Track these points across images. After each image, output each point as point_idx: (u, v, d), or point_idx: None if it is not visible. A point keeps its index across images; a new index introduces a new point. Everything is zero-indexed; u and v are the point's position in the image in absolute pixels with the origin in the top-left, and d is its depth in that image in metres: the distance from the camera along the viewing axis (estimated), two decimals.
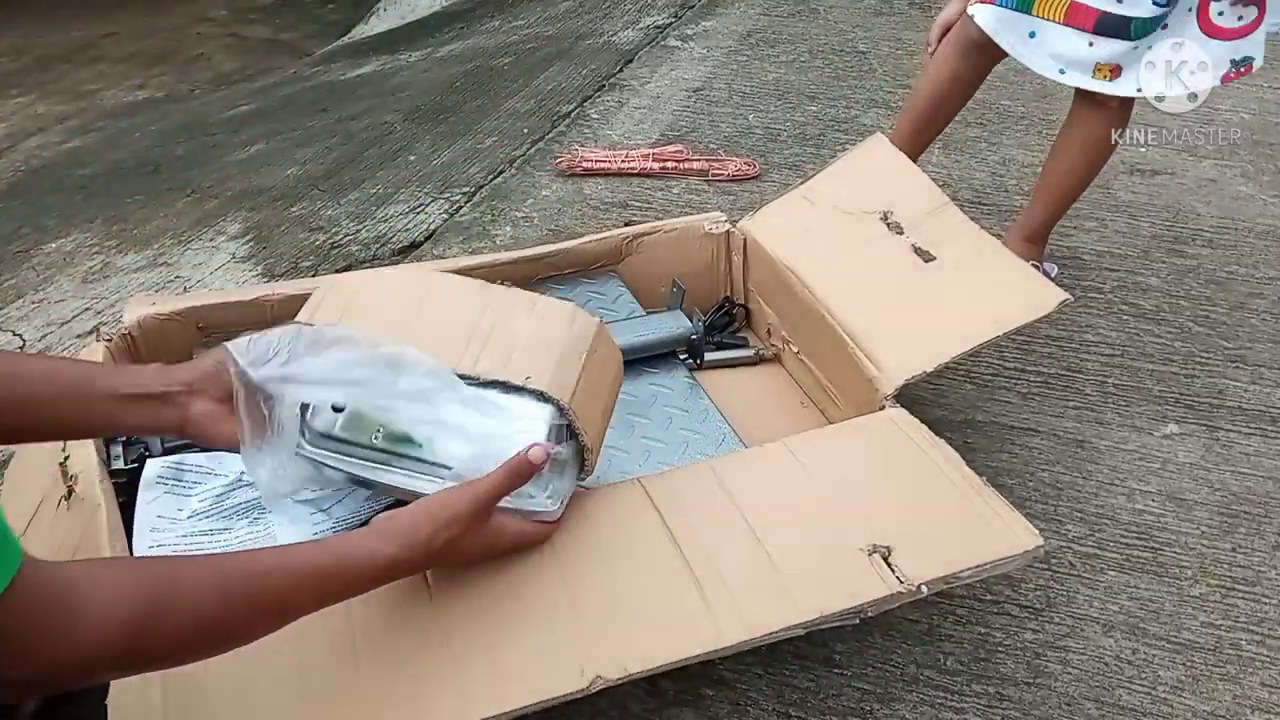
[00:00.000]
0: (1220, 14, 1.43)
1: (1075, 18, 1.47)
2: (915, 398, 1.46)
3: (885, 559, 0.92)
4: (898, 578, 0.90)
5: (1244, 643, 1.13)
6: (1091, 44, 1.47)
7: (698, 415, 1.26)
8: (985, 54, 1.58)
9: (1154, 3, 1.42)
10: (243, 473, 1.05)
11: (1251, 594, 1.18)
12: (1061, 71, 1.51)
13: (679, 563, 0.92)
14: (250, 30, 4.64)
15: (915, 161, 1.53)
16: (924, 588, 0.90)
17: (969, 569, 0.92)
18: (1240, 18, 1.43)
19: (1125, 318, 1.65)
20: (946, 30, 1.64)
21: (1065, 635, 1.13)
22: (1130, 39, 1.43)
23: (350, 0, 4.80)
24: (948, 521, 0.97)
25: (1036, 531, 0.95)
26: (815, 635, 1.10)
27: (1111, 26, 1.44)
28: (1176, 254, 1.82)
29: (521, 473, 0.85)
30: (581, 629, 0.86)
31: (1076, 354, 1.57)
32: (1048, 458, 1.38)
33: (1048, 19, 1.49)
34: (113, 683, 0.80)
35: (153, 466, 1.06)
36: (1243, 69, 1.47)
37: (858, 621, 0.90)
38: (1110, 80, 1.47)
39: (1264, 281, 1.75)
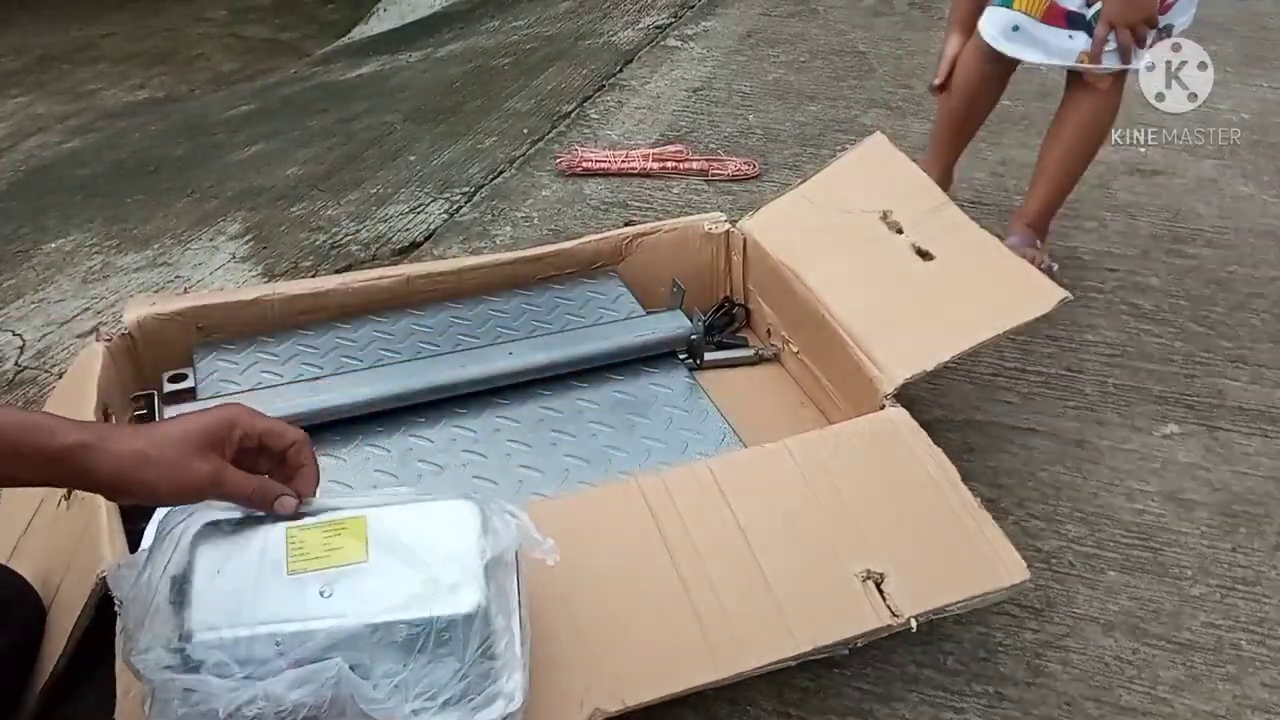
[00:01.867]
0: None
1: (1051, 15, 1.51)
2: (915, 397, 1.46)
3: (878, 586, 0.94)
4: (889, 608, 0.93)
5: (1244, 643, 1.13)
6: (1071, 37, 1.49)
7: (698, 415, 1.26)
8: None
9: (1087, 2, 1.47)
10: None
11: (1251, 594, 1.18)
12: (1045, 68, 1.57)
13: (679, 590, 0.93)
14: (250, 30, 4.64)
15: (955, 164, 1.57)
16: (913, 621, 0.93)
17: (957, 602, 0.95)
18: None
19: (1125, 318, 1.65)
20: (953, 65, 1.69)
21: (1065, 635, 1.13)
22: (1090, 31, 1.47)
23: (350, 0, 4.80)
24: (941, 548, 0.99)
25: (1023, 565, 0.97)
26: None
27: (1081, 22, 1.48)
28: (1176, 254, 1.82)
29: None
30: (581, 660, 0.87)
31: (1076, 354, 1.57)
32: (1048, 458, 1.38)
33: (1028, 14, 1.53)
34: (118, 686, 0.80)
35: None
36: (1163, 34, 1.51)
37: (847, 652, 0.93)
38: (1092, 61, 1.49)
39: (1264, 281, 1.75)
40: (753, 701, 1.05)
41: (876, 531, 0.99)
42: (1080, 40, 1.48)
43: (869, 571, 0.95)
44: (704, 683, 0.88)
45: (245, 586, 0.72)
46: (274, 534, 0.75)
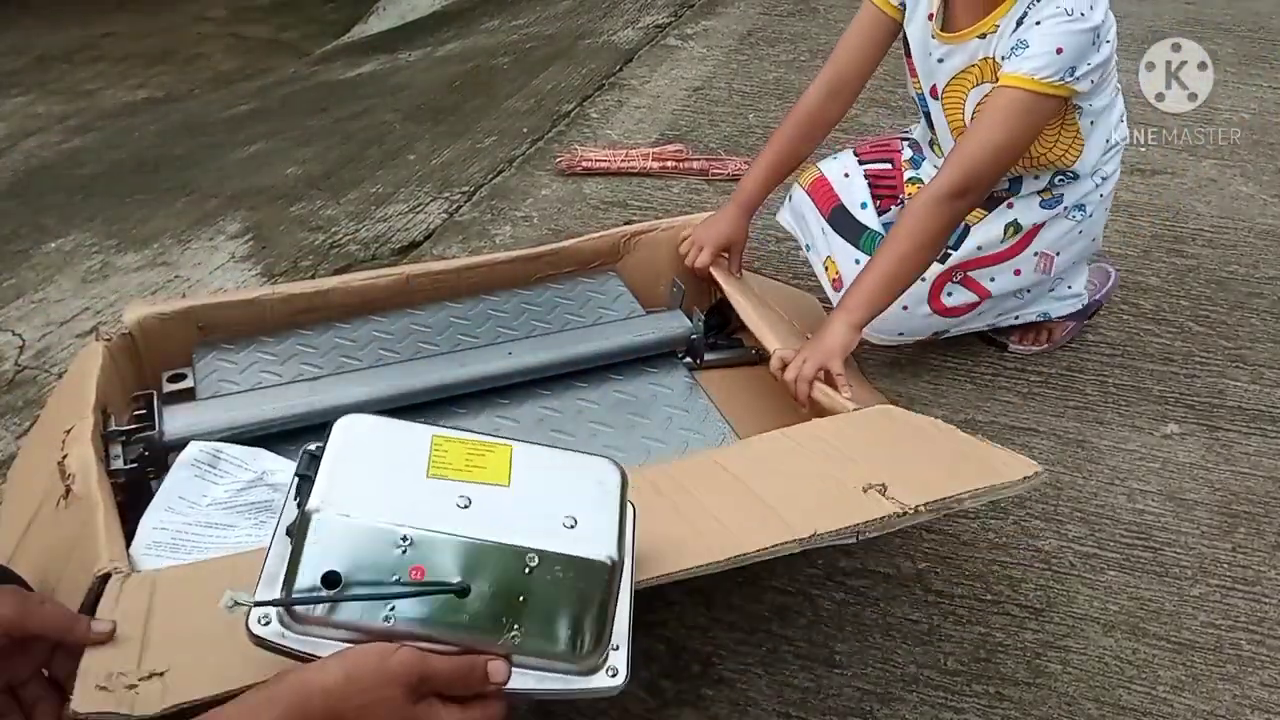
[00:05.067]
0: (949, 294, 1.43)
1: (817, 193, 1.44)
2: (915, 397, 1.46)
3: (881, 494, 0.91)
4: (894, 504, 0.89)
5: (1244, 643, 1.13)
6: (824, 230, 1.43)
7: (697, 415, 1.26)
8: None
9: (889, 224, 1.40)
10: (265, 471, 1.06)
11: (1251, 594, 1.18)
12: (808, 248, 1.47)
13: (668, 507, 0.90)
14: (250, 30, 4.63)
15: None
16: (922, 509, 0.88)
17: (967, 493, 0.91)
18: (963, 301, 1.43)
19: (1125, 318, 1.65)
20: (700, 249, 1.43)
21: (1065, 635, 1.13)
22: (858, 248, 1.39)
23: (350, 0, 4.80)
24: (944, 461, 0.97)
25: (1033, 461, 0.95)
26: (815, 635, 1.11)
27: (843, 224, 1.41)
28: (1176, 254, 1.82)
29: (473, 678, 0.66)
30: None
31: (1076, 354, 1.57)
32: (1048, 458, 1.37)
33: (799, 183, 1.47)
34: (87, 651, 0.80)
35: (193, 449, 1.07)
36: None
37: (854, 540, 0.88)
38: (835, 290, 1.42)
39: (1264, 281, 1.75)
40: (753, 702, 1.05)
41: (876, 462, 0.96)
42: (833, 241, 1.40)
43: (870, 484, 0.92)
44: (698, 565, 0.82)
45: (379, 476, 0.69)
46: (418, 436, 0.72)
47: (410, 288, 1.39)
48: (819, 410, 1.19)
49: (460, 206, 2.04)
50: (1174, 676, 1.09)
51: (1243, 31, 2.76)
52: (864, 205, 1.41)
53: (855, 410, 1.12)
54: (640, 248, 1.47)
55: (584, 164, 2.10)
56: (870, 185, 1.43)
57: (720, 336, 1.47)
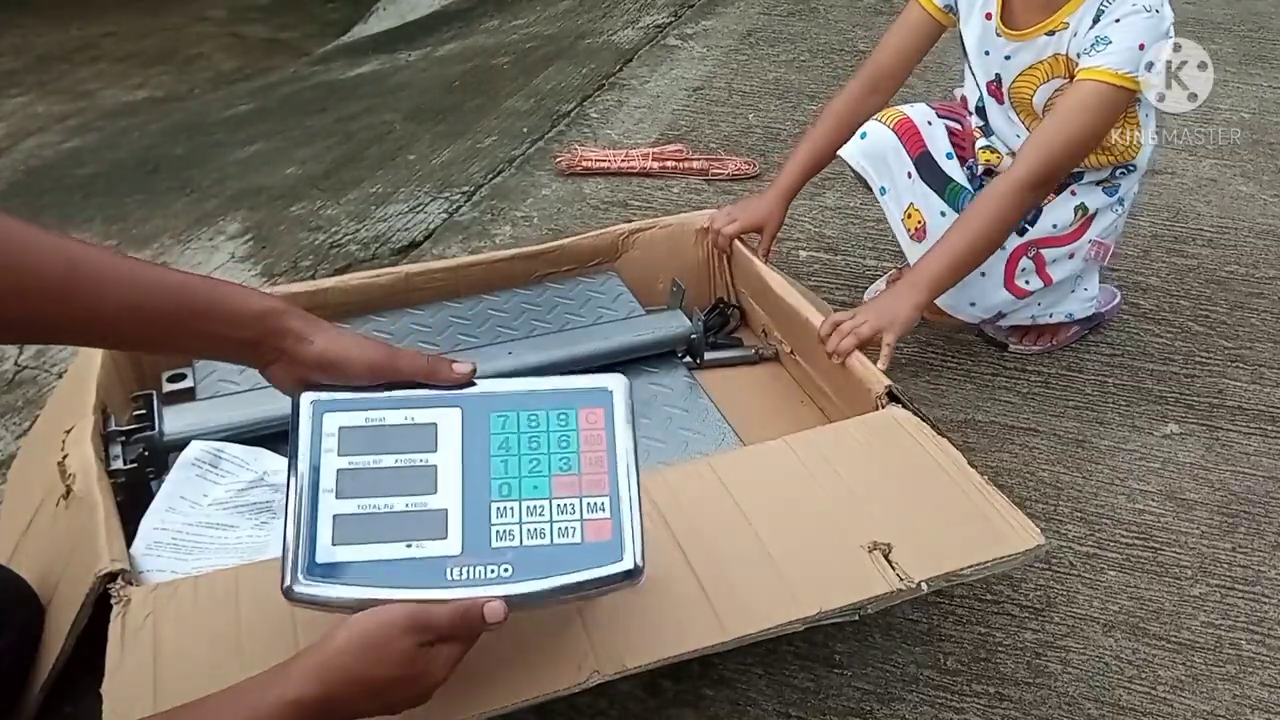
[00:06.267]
0: (1022, 271, 1.43)
1: (905, 134, 1.41)
2: (915, 397, 1.46)
3: (886, 556, 0.92)
4: (898, 575, 0.90)
5: (1244, 643, 1.13)
6: (910, 175, 1.41)
7: (698, 415, 1.26)
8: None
9: (968, 178, 1.42)
10: (266, 471, 1.05)
11: (1251, 594, 1.18)
12: (883, 191, 1.43)
13: (679, 559, 0.92)
14: (250, 30, 4.63)
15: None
16: (924, 585, 0.90)
17: (970, 567, 0.92)
18: (1027, 282, 1.44)
19: (1125, 318, 1.65)
20: (731, 220, 1.45)
21: (1065, 635, 1.13)
22: (943, 199, 1.38)
23: (350, 0, 4.79)
24: (949, 520, 0.97)
25: (1038, 530, 0.95)
26: (816, 635, 1.10)
27: (930, 172, 1.40)
28: (1176, 254, 1.82)
29: (471, 623, 0.70)
30: (579, 625, 0.86)
31: (1076, 354, 1.57)
32: (1048, 458, 1.37)
33: (881, 121, 1.43)
34: (107, 667, 0.80)
35: (194, 448, 1.07)
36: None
37: (857, 618, 0.90)
38: (915, 241, 1.40)
39: (1264, 281, 1.75)
40: (753, 702, 1.05)
41: (882, 508, 0.98)
42: (917, 187, 1.38)
43: (875, 543, 0.93)
44: (706, 646, 0.86)
45: None
46: None
47: (410, 287, 1.39)
48: (846, 377, 1.20)
49: (460, 206, 2.04)
50: (1174, 676, 1.09)
51: (1243, 31, 2.76)
52: (949, 156, 1.42)
53: (865, 410, 1.13)
54: (639, 246, 1.47)
55: (584, 164, 2.10)
56: (950, 138, 1.45)
57: (720, 336, 1.47)
